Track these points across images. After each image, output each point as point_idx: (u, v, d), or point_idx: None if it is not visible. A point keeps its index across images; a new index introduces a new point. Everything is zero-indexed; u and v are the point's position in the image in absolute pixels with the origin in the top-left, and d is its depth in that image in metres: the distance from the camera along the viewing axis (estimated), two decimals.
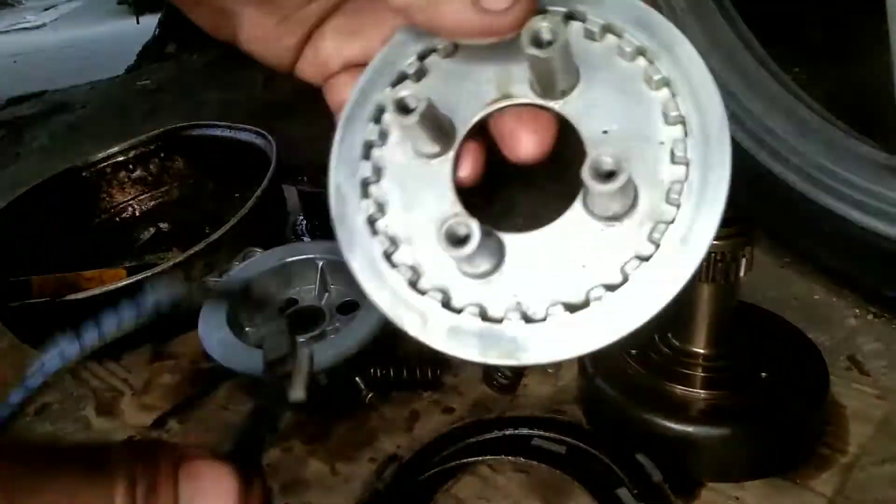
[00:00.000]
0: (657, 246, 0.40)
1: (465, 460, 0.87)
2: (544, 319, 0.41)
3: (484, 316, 0.42)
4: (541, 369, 1.02)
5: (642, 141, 0.41)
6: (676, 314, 0.89)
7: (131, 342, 1.23)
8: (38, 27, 6.04)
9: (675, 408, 0.83)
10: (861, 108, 1.61)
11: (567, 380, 1.01)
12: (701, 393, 0.84)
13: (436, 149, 0.44)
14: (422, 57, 0.46)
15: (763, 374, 0.85)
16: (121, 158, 1.68)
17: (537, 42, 0.39)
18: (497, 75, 0.45)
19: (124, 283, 1.17)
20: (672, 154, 0.40)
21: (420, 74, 0.46)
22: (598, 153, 0.37)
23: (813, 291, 1.15)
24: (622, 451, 0.83)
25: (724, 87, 1.25)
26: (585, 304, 0.41)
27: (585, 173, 0.37)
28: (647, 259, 0.41)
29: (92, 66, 3.56)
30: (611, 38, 0.43)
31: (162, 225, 1.65)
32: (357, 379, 1.02)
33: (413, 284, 0.43)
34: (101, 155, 1.67)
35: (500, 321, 0.41)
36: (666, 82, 0.41)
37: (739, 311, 0.89)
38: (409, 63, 0.46)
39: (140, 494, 0.34)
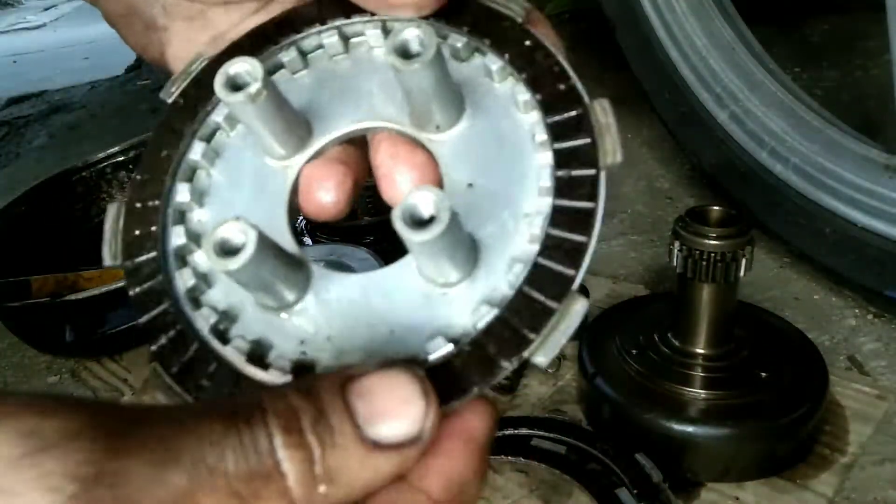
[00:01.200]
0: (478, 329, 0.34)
1: None
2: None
3: (252, 356, 0.36)
4: (541, 370, 1.02)
5: (505, 207, 0.35)
6: (676, 314, 0.89)
7: (131, 342, 1.23)
8: (38, 27, 6.04)
9: (675, 408, 0.83)
10: (861, 108, 1.61)
11: (567, 380, 1.01)
12: (701, 393, 0.84)
13: (278, 150, 0.39)
14: (304, 52, 0.42)
15: (763, 374, 0.85)
16: (121, 158, 1.68)
17: (404, 52, 0.34)
18: (381, 91, 0.40)
19: (124, 283, 1.17)
20: (530, 234, 0.34)
21: (296, 66, 0.42)
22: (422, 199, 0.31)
23: (813, 291, 1.15)
24: (622, 451, 0.83)
25: (725, 87, 1.27)
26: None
27: (396, 216, 0.30)
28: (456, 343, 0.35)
29: (92, 66, 3.56)
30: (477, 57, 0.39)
31: None
32: None
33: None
34: (101, 155, 1.67)
35: (266, 367, 0.35)
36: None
37: (739, 311, 0.89)
38: (289, 54, 0.41)
39: (307, 425, 0.28)
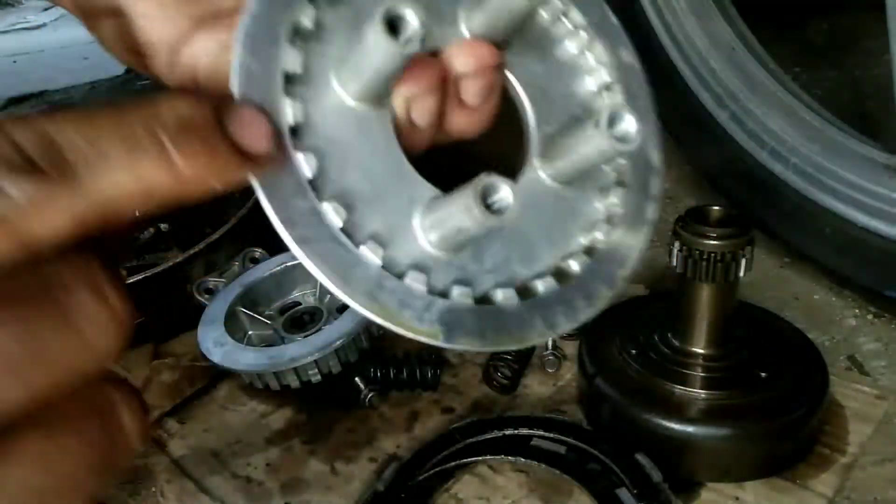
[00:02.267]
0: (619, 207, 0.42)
1: (465, 460, 0.87)
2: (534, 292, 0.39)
3: (476, 297, 0.37)
4: (541, 369, 1.02)
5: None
6: (676, 314, 0.89)
7: (131, 342, 1.23)
8: (38, 27, 6.03)
9: (675, 408, 0.83)
10: (861, 108, 1.61)
11: (567, 380, 1.01)
12: (701, 393, 0.84)
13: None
14: None
15: (763, 374, 0.85)
16: None
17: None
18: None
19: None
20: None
21: None
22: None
23: (813, 291, 1.15)
24: (622, 451, 0.83)
25: (725, 87, 1.27)
26: (559, 274, 0.40)
27: (602, 121, 0.36)
28: (611, 222, 0.42)
29: (92, 66, 3.56)
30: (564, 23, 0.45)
31: (162, 225, 1.65)
32: (357, 379, 1.02)
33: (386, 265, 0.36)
34: None
35: (489, 300, 0.38)
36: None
37: (739, 311, 0.89)
38: None
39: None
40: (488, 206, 0.32)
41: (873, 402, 0.91)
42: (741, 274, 0.81)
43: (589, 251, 0.41)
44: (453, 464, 0.87)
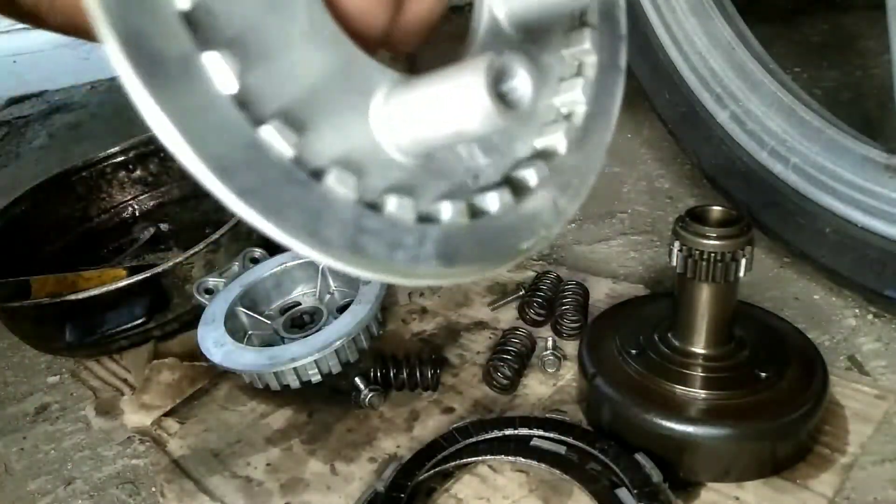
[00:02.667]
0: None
1: (465, 460, 0.87)
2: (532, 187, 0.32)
3: (471, 211, 0.30)
4: (541, 369, 1.02)
5: None
6: (676, 314, 0.89)
7: (131, 342, 1.23)
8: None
9: (675, 408, 0.83)
10: (861, 108, 1.61)
11: (567, 380, 1.01)
12: (701, 393, 0.84)
13: None
14: None
15: (763, 374, 0.85)
16: (121, 158, 1.68)
17: None
18: None
19: (124, 283, 1.17)
20: None
21: None
22: None
23: (813, 291, 1.15)
24: (622, 451, 0.83)
25: (725, 87, 1.27)
26: (544, 154, 0.33)
27: None
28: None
29: (92, 66, 3.56)
30: None
31: (162, 225, 1.65)
32: (357, 379, 1.02)
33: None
34: (101, 155, 1.67)
35: (482, 212, 0.31)
36: None
37: (739, 311, 0.89)
38: None
39: None
40: (501, 97, 0.25)
41: (873, 402, 0.91)
42: (741, 274, 0.81)
43: (567, 116, 0.34)
44: (453, 464, 0.87)
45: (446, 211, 0.29)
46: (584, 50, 0.35)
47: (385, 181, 0.28)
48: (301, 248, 0.25)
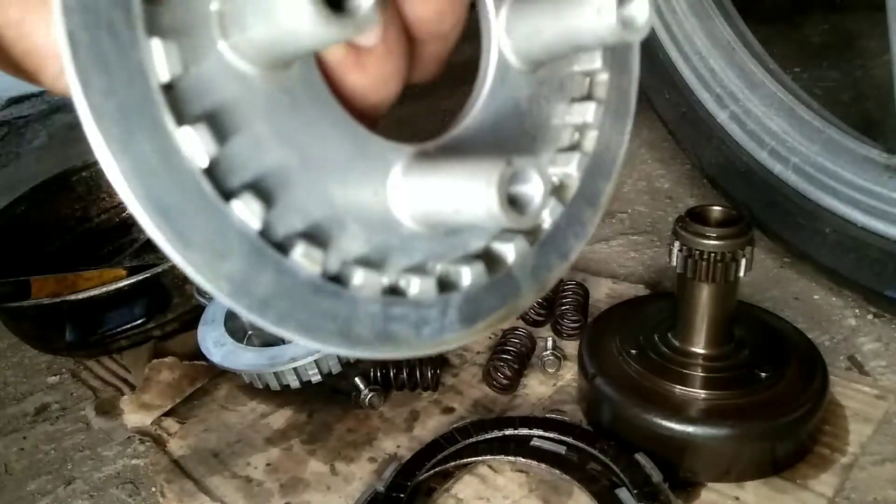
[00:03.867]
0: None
1: (465, 460, 0.87)
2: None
3: (491, 267, 0.30)
4: (541, 369, 1.02)
5: None
6: (676, 314, 0.89)
7: (131, 342, 1.23)
8: None
9: (675, 408, 0.83)
10: (861, 108, 1.61)
11: (567, 380, 1.01)
12: (701, 393, 0.84)
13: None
14: None
15: (763, 374, 0.85)
16: None
17: None
18: None
19: (124, 283, 1.17)
20: None
21: None
22: None
23: (813, 291, 1.15)
24: (622, 451, 0.83)
25: (725, 87, 1.27)
26: (558, 188, 0.33)
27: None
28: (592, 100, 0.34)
29: None
30: None
31: None
32: (357, 379, 1.02)
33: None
34: None
35: (500, 264, 0.31)
36: None
37: (739, 311, 0.89)
38: None
39: None
40: (512, 203, 0.25)
41: (873, 402, 0.91)
42: (741, 274, 0.81)
43: (575, 146, 0.34)
44: (453, 464, 0.87)
45: (466, 276, 0.30)
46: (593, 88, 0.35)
47: (406, 260, 0.29)
48: (335, 351, 0.27)
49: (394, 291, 0.28)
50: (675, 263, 0.83)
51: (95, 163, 1.51)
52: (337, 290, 0.27)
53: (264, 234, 0.25)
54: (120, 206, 1.69)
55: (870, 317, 1.08)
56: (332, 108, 0.28)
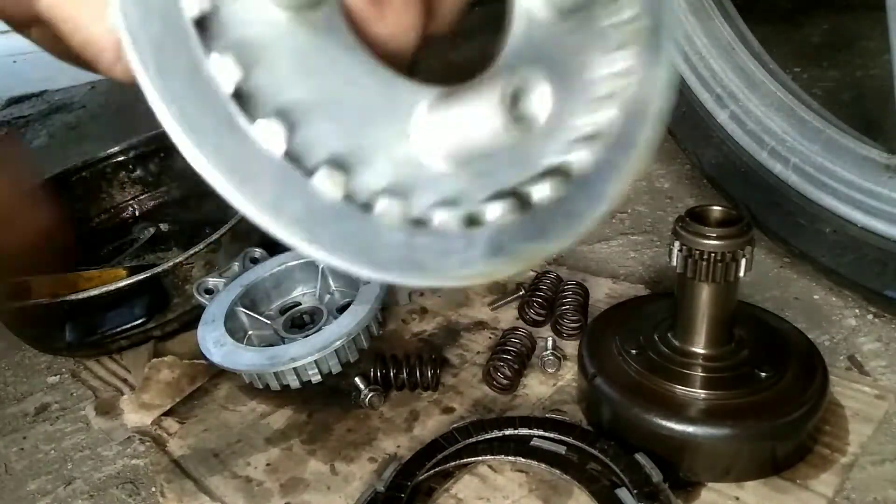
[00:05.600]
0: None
1: (465, 460, 0.87)
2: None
3: (518, 205, 0.30)
4: (541, 369, 1.02)
5: None
6: (676, 314, 0.89)
7: (131, 342, 1.23)
8: None
9: (675, 408, 0.83)
10: (861, 108, 1.61)
11: (567, 380, 1.01)
12: (701, 393, 0.84)
13: None
14: None
15: (763, 374, 0.85)
16: (121, 158, 1.68)
17: None
18: None
19: (124, 283, 1.17)
20: None
21: None
22: None
23: (813, 291, 1.15)
24: (622, 451, 0.83)
25: (725, 87, 1.27)
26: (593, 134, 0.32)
27: None
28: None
29: None
30: None
31: (162, 225, 1.65)
32: (357, 379, 1.02)
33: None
34: (100, 155, 1.67)
35: (528, 202, 0.30)
36: None
37: (739, 311, 0.89)
38: None
39: None
40: (517, 116, 0.26)
41: (873, 402, 0.91)
42: (741, 274, 0.81)
43: (612, 95, 0.33)
44: (453, 464, 0.87)
45: (492, 212, 0.30)
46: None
47: (432, 195, 0.29)
48: (364, 274, 0.28)
49: (419, 223, 0.29)
50: (675, 263, 0.83)
51: (95, 163, 1.52)
52: (360, 216, 0.28)
53: (290, 156, 0.27)
54: (120, 206, 1.69)
55: (870, 317, 1.08)
56: (357, 50, 0.29)
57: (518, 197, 0.30)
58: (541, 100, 0.26)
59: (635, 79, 0.33)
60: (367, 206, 0.28)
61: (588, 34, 0.33)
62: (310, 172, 0.27)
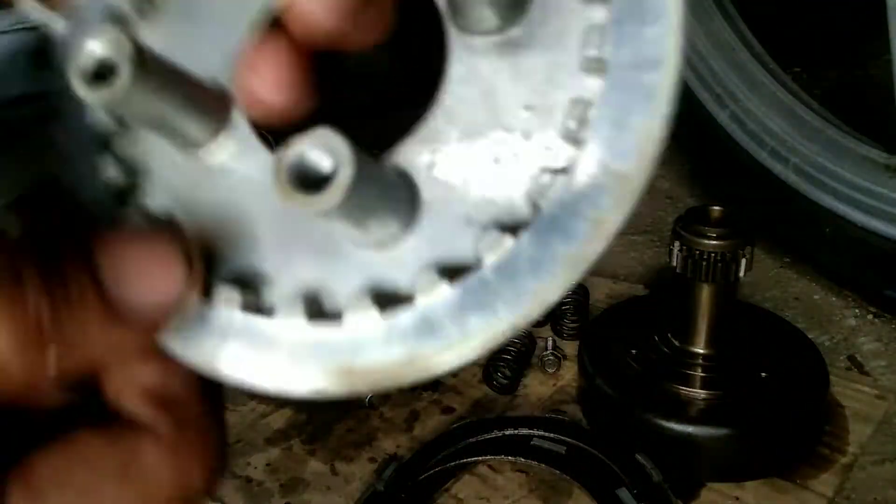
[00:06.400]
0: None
1: (465, 460, 0.87)
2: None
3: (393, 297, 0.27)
4: (541, 369, 1.02)
5: None
6: (676, 314, 0.89)
7: None
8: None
9: (675, 408, 0.83)
10: (861, 108, 1.61)
11: (567, 380, 1.01)
12: (701, 393, 0.84)
13: (203, 130, 0.29)
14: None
15: (763, 374, 0.85)
16: None
17: None
18: None
19: None
20: None
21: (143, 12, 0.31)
22: None
23: (813, 291, 1.15)
24: (622, 451, 0.83)
25: (725, 87, 1.27)
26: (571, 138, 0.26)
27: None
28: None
29: None
30: None
31: None
32: None
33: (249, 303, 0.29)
34: None
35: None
36: None
37: (739, 311, 0.89)
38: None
39: (31, 277, 0.24)
40: (306, 187, 0.22)
41: (873, 402, 0.91)
42: (741, 274, 0.81)
43: (586, 104, 0.26)
44: (453, 464, 0.87)
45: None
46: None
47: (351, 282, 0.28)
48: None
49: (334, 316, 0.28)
50: (675, 263, 0.83)
51: None
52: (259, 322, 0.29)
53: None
54: None
55: (870, 317, 1.08)
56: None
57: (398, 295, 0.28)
58: (322, 162, 0.23)
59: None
60: (336, 316, 0.28)
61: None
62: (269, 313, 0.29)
